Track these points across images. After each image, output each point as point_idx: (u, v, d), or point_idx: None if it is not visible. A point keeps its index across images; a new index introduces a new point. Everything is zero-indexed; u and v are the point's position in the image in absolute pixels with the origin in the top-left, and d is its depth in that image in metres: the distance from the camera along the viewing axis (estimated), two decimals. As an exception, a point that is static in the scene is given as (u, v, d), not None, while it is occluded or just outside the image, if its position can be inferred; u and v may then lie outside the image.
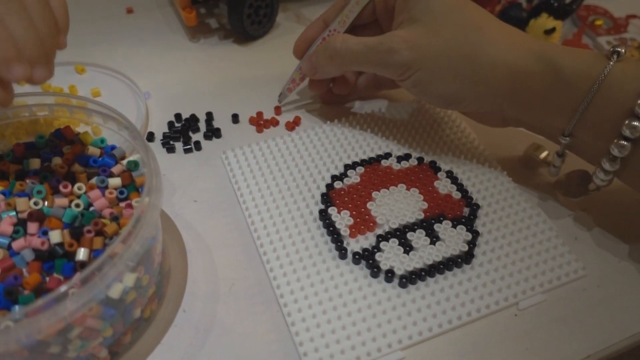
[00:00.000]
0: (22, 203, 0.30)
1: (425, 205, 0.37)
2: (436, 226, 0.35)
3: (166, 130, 0.44)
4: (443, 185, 0.38)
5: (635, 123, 0.30)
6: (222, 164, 0.41)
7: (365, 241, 0.35)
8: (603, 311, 0.33)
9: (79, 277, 0.24)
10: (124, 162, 0.34)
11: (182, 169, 0.41)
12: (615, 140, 0.31)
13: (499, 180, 0.39)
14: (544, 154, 0.40)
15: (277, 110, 0.45)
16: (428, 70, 0.35)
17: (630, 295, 0.33)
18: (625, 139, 0.31)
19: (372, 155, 0.41)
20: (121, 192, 0.32)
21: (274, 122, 0.45)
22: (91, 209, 0.31)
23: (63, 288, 0.24)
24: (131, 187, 0.33)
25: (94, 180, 0.33)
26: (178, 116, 0.45)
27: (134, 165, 0.34)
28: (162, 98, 0.47)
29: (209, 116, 0.45)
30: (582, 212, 0.38)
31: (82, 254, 0.28)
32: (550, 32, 0.50)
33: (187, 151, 0.42)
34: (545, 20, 0.50)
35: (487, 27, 0.35)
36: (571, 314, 0.32)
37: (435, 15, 0.35)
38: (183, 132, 0.43)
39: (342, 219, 0.36)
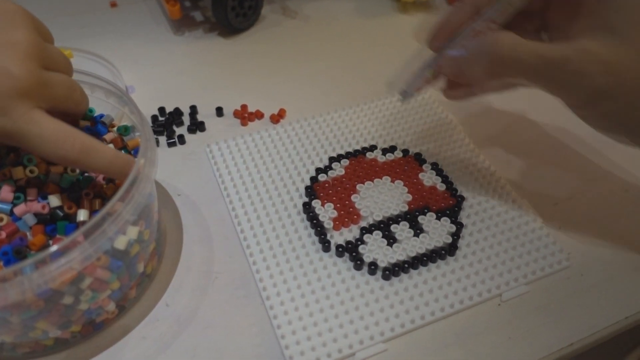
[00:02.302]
0: (17, 171, 0.30)
1: (409, 198, 0.36)
2: (420, 218, 0.35)
3: (150, 124, 0.44)
4: (428, 178, 0.38)
5: None
6: (206, 157, 0.41)
7: (349, 234, 0.35)
8: (586, 299, 0.33)
9: (84, 229, 0.25)
10: (114, 129, 0.34)
11: (165, 163, 0.41)
12: None
13: (484, 172, 0.39)
14: None
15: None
16: (627, 103, 0.27)
17: (613, 283, 0.33)
18: None
19: (357, 147, 0.41)
20: None
21: (259, 115, 0.44)
22: (85, 175, 0.32)
23: (68, 240, 0.25)
24: (123, 151, 0.34)
25: None
26: (162, 110, 0.45)
27: (125, 130, 0.34)
28: (145, 92, 0.47)
29: (193, 109, 0.45)
30: (567, 201, 0.38)
31: (82, 214, 0.29)
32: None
33: (170, 145, 0.42)
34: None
35: None
36: (554, 302, 0.33)
37: None
38: (167, 125, 0.43)
39: (326, 212, 0.36)
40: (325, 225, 0.35)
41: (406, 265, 0.33)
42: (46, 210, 0.29)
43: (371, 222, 0.35)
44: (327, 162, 0.39)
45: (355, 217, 0.35)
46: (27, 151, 0.28)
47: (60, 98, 0.28)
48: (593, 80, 0.27)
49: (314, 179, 0.38)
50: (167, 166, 0.40)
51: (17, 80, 0.26)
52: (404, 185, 0.37)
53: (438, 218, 0.35)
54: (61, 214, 0.29)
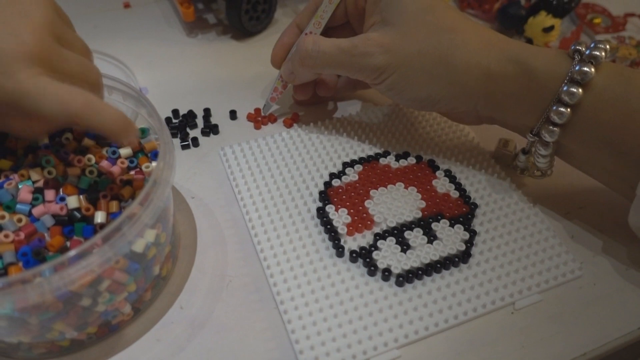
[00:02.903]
0: (35, 173, 0.31)
1: (423, 204, 0.37)
2: (434, 225, 0.35)
3: (163, 126, 0.44)
4: (441, 184, 0.38)
5: (561, 109, 0.32)
6: (219, 160, 0.41)
7: (362, 239, 0.35)
8: (599, 309, 0.33)
9: (104, 232, 0.26)
10: None
11: (179, 165, 0.41)
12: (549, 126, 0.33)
13: (497, 179, 0.39)
14: (513, 147, 0.41)
15: (263, 119, 0.44)
16: (402, 74, 0.35)
17: (626, 293, 0.34)
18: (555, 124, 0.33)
19: (371, 153, 0.41)
20: (131, 161, 0.33)
21: (272, 119, 0.44)
22: (103, 177, 0.32)
23: (88, 243, 0.25)
24: (139, 154, 0.34)
25: (104, 151, 0.33)
26: (175, 112, 0.45)
27: (142, 132, 0.34)
28: (159, 94, 0.47)
29: (207, 112, 0.45)
30: (579, 210, 0.38)
31: (99, 216, 0.30)
32: (548, 30, 0.50)
33: (184, 147, 0.42)
34: (543, 18, 0.50)
35: (460, 28, 0.35)
36: (567, 311, 0.33)
37: (407, 17, 0.35)
38: (180, 128, 0.43)
39: (340, 217, 0.36)
40: (339, 230, 0.35)
41: (420, 272, 0.33)
42: (64, 212, 0.30)
43: (385, 228, 0.35)
44: (340, 168, 0.40)
45: (368, 222, 0.36)
46: (31, 113, 0.27)
47: (73, 75, 0.29)
48: (375, 58, 0.35)
49: (327, 184, 0.38)
50: (181, 169, 0.41)
51: (25, 45, 0.27)
52: (418, 191, 0.37)
53: (451, 225, 0.35)
54: (79, 215, 0.30)
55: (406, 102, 0.37)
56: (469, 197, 0.37)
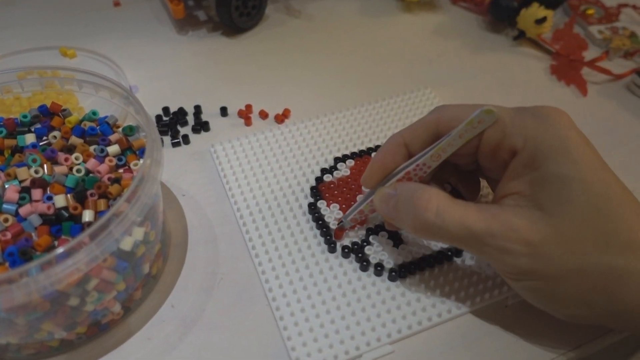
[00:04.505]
0: (22, 172, 0.30)
1: (415, 198, 0.36)
2: (426, 219, 0.35)
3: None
4: (433, 178, 0.38)
5: None
6: (210, 157, 0.41)
7: (354, 234, 0.35)
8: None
9: (90, 230, 0.25)
10: (119, 129, 0.34)
11: (170, 163, 0.41)
12: None
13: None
14: None
15: (337, 234, 0.35)
16: (548, 286, 0.27)
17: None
18: None
19: (363, 148, 0.40)
20: (119, 159, 0.33)
21: (263, 115, 0.44)
22: (90, 175, 0.32)
23: (74, 241, 0.25)
24: (127, 151, 0.34)
25: (92, 150, 0.33)
26: (166, 110, 0.44)
27: (130, 130, 0.34)
28: (149, 91, 0.47)
29: (197, 109, 0.44)
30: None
31: (87, 215, 0.29)
32: (541, 21, 0.50)
33: (175, 145, 0.42)
34: (536, 10, 0.50)
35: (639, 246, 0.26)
36: (561, 305, 0.32)
37: (572, 210, 0.26)
38: (171, 125, 0.43)
39: (332, 213, 0.35)
40: (331, 226, 0.35)
41: (412, 267, 0.33)
42: (51, 211, 0.29)
43: (377, 222, 0.35)
44: (332, 163, 0.39)
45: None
46: None
47: None
48: (516, 259, 0.27)
49: (319, 180, 0.38)
50: (171, 166, 0.40)
51: None
52: (410, 185, 0.37)
53: (444, 219, 0.35)
54: (66, 214, 0.29)
55: (545, 309, 0.29)
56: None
